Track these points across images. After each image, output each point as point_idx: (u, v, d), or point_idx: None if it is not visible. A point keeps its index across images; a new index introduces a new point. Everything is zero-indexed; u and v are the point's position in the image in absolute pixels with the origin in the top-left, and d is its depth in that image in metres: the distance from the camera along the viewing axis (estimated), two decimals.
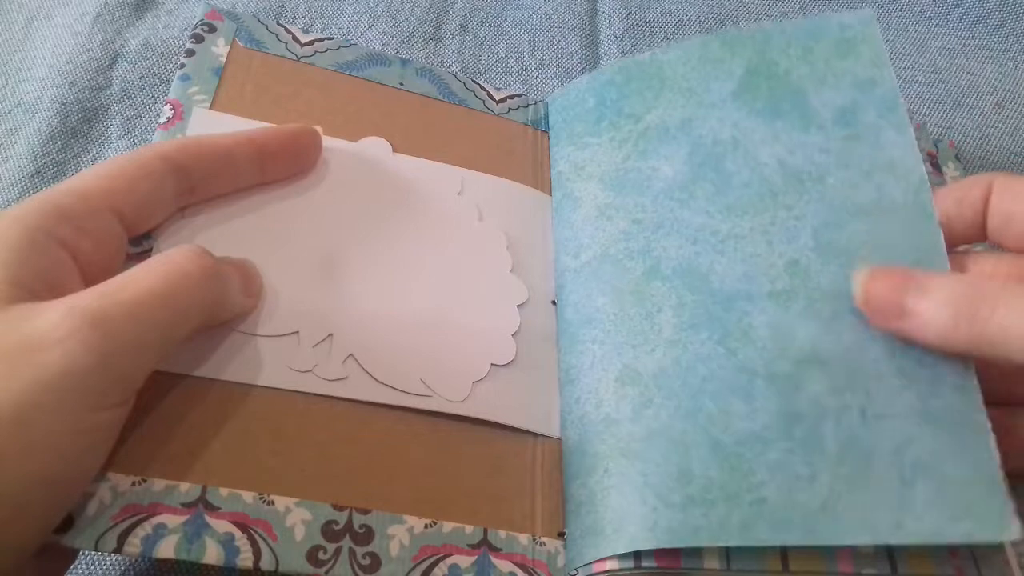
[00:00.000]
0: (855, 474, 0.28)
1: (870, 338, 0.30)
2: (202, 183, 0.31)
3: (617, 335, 0.33)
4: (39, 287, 0.25)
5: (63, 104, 0.42)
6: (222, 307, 0.29)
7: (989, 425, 0.28)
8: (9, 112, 0.42)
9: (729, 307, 0.32)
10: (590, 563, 0.30)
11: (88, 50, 0.44)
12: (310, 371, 0.31)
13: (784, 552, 0.29)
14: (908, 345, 0.29)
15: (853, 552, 0.29)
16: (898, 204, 0.32)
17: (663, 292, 0.33)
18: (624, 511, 0.30)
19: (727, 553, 0.29)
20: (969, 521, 0.27)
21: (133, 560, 0.32)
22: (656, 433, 0.31)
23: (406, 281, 0.34)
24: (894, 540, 0.27)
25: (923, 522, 0.27)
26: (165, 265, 0.27)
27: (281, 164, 0.33)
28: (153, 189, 0.29)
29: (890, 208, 0.32)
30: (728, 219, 0.34)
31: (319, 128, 0.35)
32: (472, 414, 0.32)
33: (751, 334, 0.31)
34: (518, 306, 0.35)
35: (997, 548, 0.30)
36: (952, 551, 0.29)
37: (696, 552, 0.29)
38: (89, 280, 0.27)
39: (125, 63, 0.44)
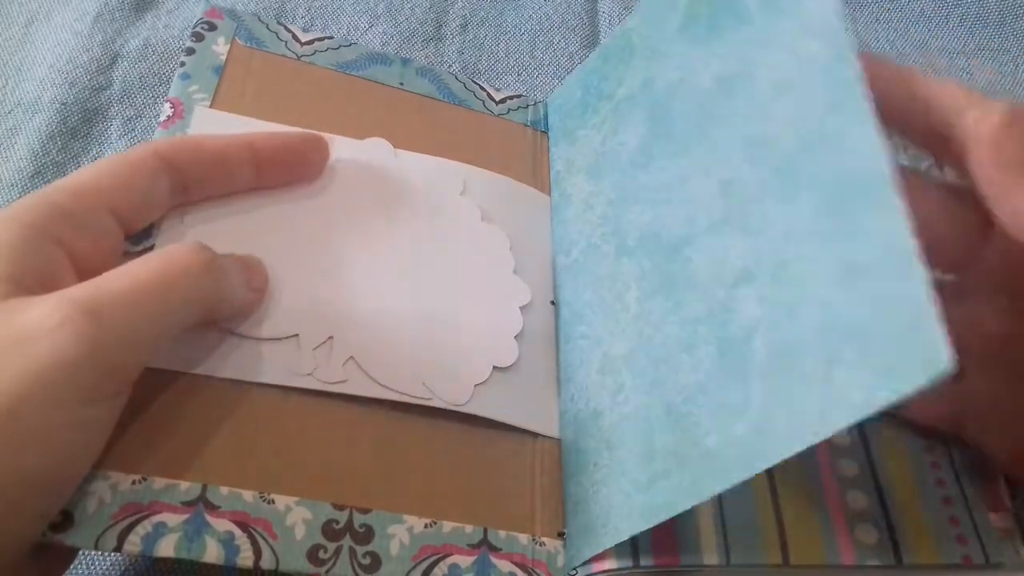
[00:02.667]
0: (784, 380, 0.25)
1: (795, 219, 0.27)
2: (196, 183, 0.31)
3: (599, 326, 0.33)
4: (34, 284, 0.25)
5: (63, 104, 0.42)
6: (222, 301, 0.29)
7: (918, 252, 0.22)
8: (9, 112, 0.42)
9: (675, 258, 0.31)
10: (589, 563, 0.29)
11: (88, 50, 0.44)
12: (310, 374, 0.30)
13: (784, 545, 0.29)
14: (831, 204, 0.26)
15: (855, 542, 0.29)
16: (818, 70, 0.28)
17: (629, 268, 0.33)
18: (610, 504, 0.29)
19: (727, 549, 0.29)
20: (895, 378, 0.22)
21: (133, 560, 0.32)
22: (627, 417, 0.30)
23: (408, 282, 0.34)
24: (820, 436, 0.24)
25: (848, 401, 0.23)
26: (161, 258, 0.27)
27: (278, 171, 0.33)
28: (148, 187, 0.29)
29: (811, 77, 0.28)
30: (673, 164, 0.32)
31: (326, 135, 0.35)
32: (473, 412, 0.32)
33: (693, 279, 0.30)
34: (521, 308, 0.35)
35: (1008, 537, 0.29)
36: (960, 537, 0.29)
37: (695, 549, 0.29)
38: (84, 278, 0.27)
39: (125, 63, 0.44)
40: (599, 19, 0.50)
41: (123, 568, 0.32)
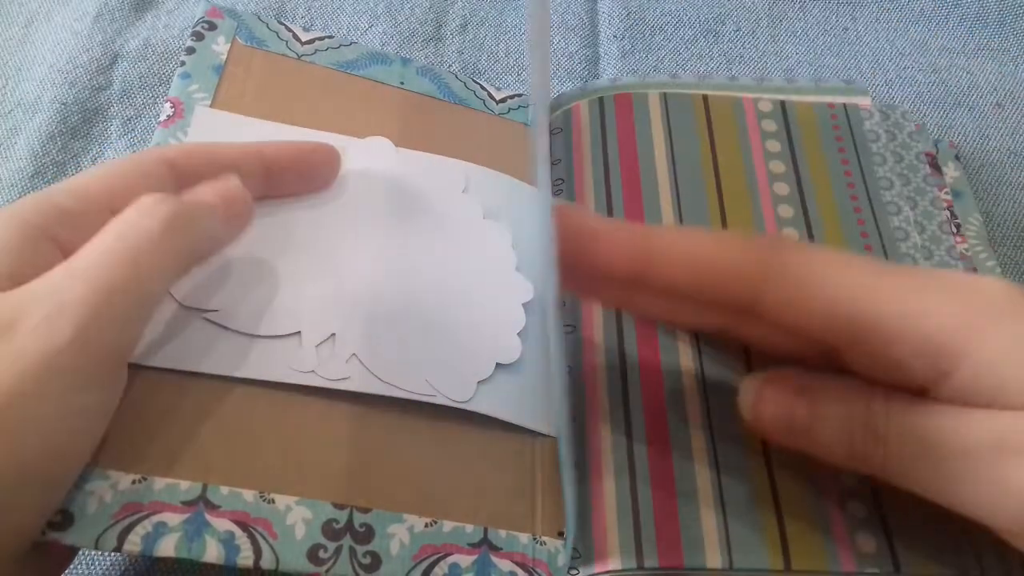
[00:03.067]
0: None
1: None
2: None
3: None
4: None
5: (63, 104, 0.42)
6: (198, 249, 0.29)
7: None
8: (9, 112, 0.42)
9: None
10: (591, 563, 0.29)
11: (88, 50, 0.44)
12: (312, 371, 0.30)
13: (786, 550, 0.29)
14: None
15: (855, 550, 0.29)
16: None
17: None
18: (569, 497, 0.30)
19: (729, 553, 0.29)
20: None
21: (133, 560, 0.32)
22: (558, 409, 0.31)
23: (411, 279, 0.33)
24: None
25: None
26: (122, 226, 0.26)
27: (288, 181, 0.33)
28: (153, 192, 0.29)
29: None
30: None
31: (328, 134, 0.34)
32: (476, 409, 0.32)
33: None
34: (523, 304, 0.35)
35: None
36: (958, 548, 0.29)
37: (699, 551, 0.29)
38: None
39: (125, 63, 0.44)
40: (599, 19, 0.50)
41: (123, 568, 0.32)
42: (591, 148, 0.38)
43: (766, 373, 0.29)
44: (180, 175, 0.30)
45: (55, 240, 0.26)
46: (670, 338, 0.33)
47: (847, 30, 0.50)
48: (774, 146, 0.38)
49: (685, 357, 0.33)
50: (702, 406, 0.32)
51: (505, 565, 0.29)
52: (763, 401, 0.28)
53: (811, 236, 0.36)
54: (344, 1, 0.48)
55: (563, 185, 0.38)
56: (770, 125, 0.39)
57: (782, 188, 0.37)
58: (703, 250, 0.27)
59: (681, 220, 0.36)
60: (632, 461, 0.31)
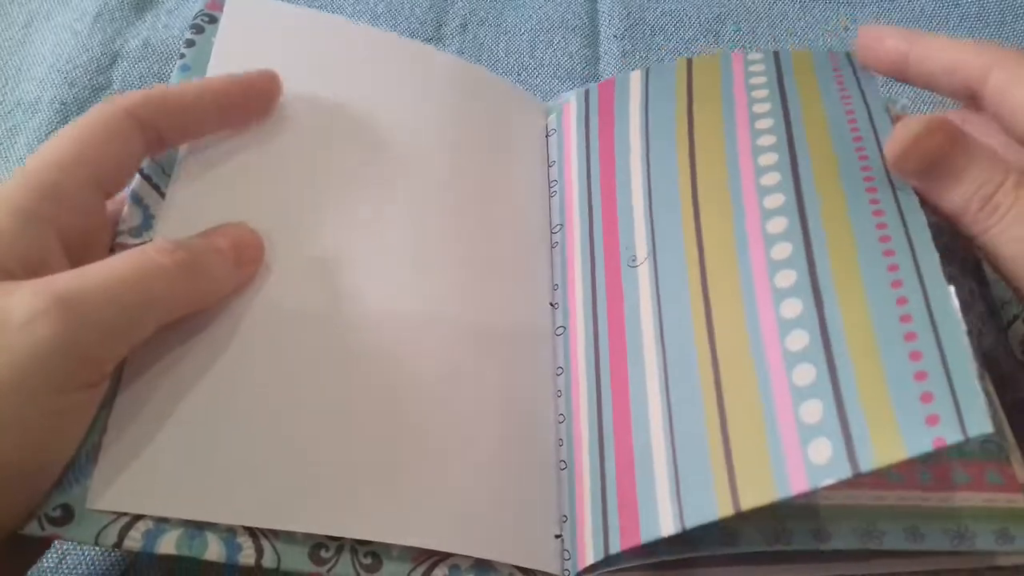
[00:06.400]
0: None
1: None
2: (169, 134, 0.31)
3: None
4: (18, 268, 0.25)
5: (63, 104, 0.43)
6: (205, 295, 0.29)
7: None
8: (9, 112, 0.43)
9: None
10: (576, 561, 0.29)
11: (88, 50, 0.44)
12: None
13: (734, 490, 0.27)
14: None
15: (807, 464, 0.26)
16: None
17: None
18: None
19: (680, 511, 0.27)
20: None
21: (130, 555, 0.32)
22: None
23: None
24: None
25: None
26: (137, 254, 0.27)
27: (239, 111, 0.33)
28: (126, 150, 0.29)
29: None
30: None
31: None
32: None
33: None
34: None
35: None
36: (931, 417, 0.24)
37: (654, 522, 0.28)
38: (72, 251, 0.27)
39: (125, 63, 0.45)
40: (599, 19, 0.50)
41: (124, 566, 0.32)
42: (577, 141, 0.38)
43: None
44: (144, 124, 0.29)
45: (47, 220, 0.27)
46: (635, 321, 0.32)
47: (847, 30, 0.50)
48: (760, 93, 0.35)
49: (648, 332, 0.32)
50: (660, 367, 0.30)
51: (504, 568, 0.29)
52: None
53: (797, 177, 0.31)
54: (344, 1, 0.48)
55: (556, 187, 0.38)
56: (758, 70, 0.36)
57: (767, 140, 0.33)
58: (949, 52, 0.32)
59: (650, 183, 0.34)
60: (602, 451, 0.30)
